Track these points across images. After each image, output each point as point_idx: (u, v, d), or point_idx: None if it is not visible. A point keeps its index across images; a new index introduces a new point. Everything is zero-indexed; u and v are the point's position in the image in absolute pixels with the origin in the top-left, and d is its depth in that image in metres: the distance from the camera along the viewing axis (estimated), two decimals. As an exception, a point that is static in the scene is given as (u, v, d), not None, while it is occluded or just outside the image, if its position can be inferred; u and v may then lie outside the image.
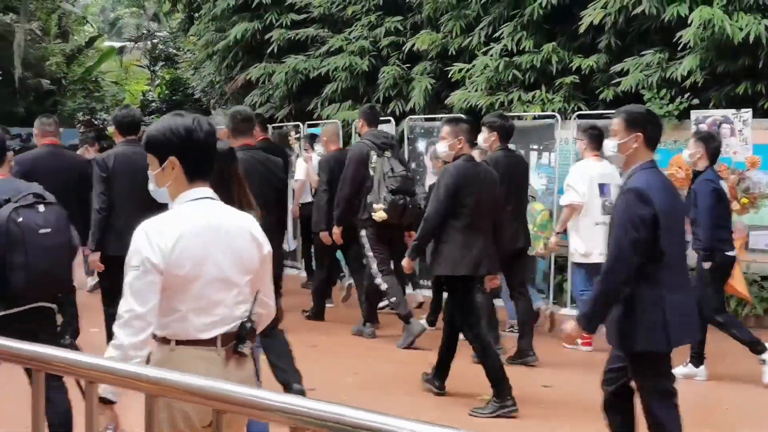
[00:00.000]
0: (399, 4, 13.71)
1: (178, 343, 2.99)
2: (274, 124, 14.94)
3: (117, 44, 32.54)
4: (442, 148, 6.85)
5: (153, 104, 31.09)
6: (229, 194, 3.57)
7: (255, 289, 3.19)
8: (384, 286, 8.53)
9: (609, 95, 10.80)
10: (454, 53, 12.39)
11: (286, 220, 6.94)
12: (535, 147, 10.79)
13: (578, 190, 8.09)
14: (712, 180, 7.05)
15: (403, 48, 13.16)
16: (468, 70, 11.93)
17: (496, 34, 11.86)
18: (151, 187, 3.21)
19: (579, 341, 7.92)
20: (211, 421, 2.18)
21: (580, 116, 10.63)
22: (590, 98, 11.29)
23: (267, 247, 3.24)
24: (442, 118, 11.85)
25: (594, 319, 4.38)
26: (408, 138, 12.05)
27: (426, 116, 12.29)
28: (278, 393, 1.95)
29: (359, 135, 9.32)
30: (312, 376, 6.36)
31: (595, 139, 8.14)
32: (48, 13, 26.80)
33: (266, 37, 14.98)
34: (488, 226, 6.72)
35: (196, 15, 18.34)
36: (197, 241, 3.00)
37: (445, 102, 12.24)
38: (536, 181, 10.37)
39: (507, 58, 11.53)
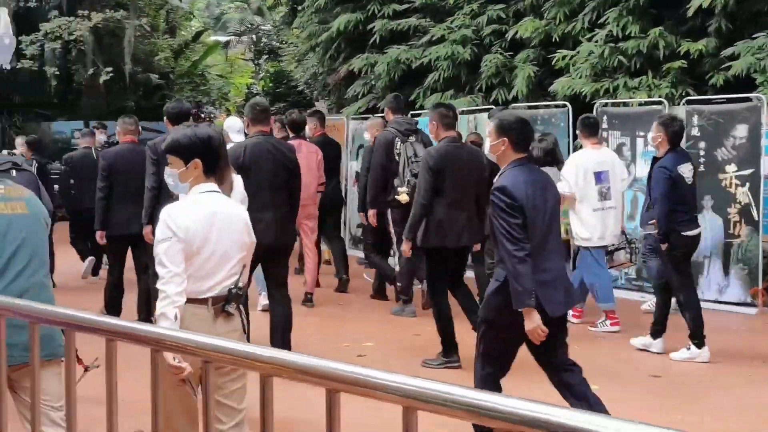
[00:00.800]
0: (501, -8, 13.62)
1: None
2: (376, 114, 15.02)
3: (222, 38, 33.13)
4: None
5: (257, 97, 31.57)
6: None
7: (242, 265, 4.07)
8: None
9: (719, 80, 10.52)
10: (557, 40, 12.24)
11: (299, 193, 7.54)
12: (642, 134, 10.59)
13: (569, 181, 8.34)
14: (666, 167, 7.34)
15: (506, 36, 13.06)
16: (572, 57, 11.77)
17: (601, 20, 11.67)
18: (170, 181, 4.10)
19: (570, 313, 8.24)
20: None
21: (689, 101, 10.39)
22: (699, 83, 11.02)
23: (253, 238, 4.16)
24: (545, 106, 11.82)
25: (521, 295, 4.80)
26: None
27: (529, 104, 12.19)
28: (391, 373, 1.97)
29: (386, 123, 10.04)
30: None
31: (591, 127, 8.65)
32: (156, 10, 27.49)
33: (368, 27, 15.06)
34: (470, 202, 7.39)
35: (300, 8, 18.52)
36: (205, 224, 3.90)
37: (549, 90, 12.11)
38: (642, 169, 10.17)
39: (612, 44, 11.33)
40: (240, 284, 4.02)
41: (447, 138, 7.45)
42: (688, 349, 7.48)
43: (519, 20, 12.94)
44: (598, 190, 8.44)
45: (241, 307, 4.07)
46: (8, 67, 20.25)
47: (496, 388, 5.07)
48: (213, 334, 3.44)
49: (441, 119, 7.49)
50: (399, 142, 9.26)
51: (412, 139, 9.24)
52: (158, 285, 3.83)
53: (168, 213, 3.90)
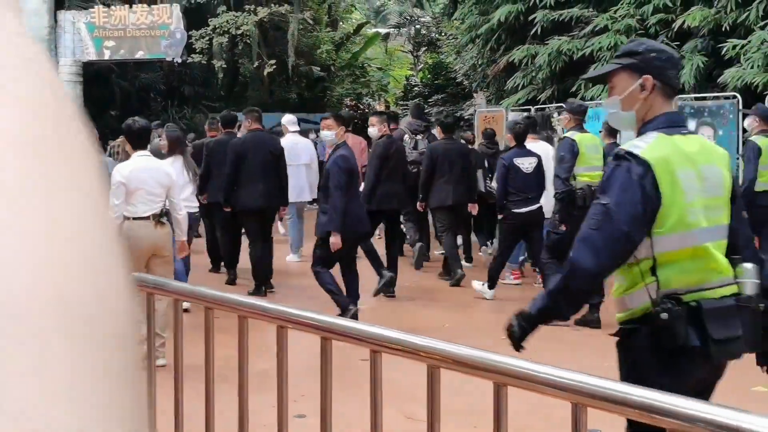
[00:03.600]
0: (669, -20, 13.22)
1: (134, 219, 6.85)
2: (536, 106, 14.87)
3: (382, 31, 33.51)
4: (371, 131, 10.69)
5: (416, 88, 31.75)
6: (183, 153, 9.38)
7: (166, 195, 7.03)
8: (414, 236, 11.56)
9: None
10: (727, 29, 11.77)
11: (285, 175, 10.33)
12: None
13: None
14: (503, 158, 9.71)
15: (673, 25, 12.66)
16: (743, 47, 11.30)
17: (776, 7, 11.17)
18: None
19: (509, 276, 10.69)
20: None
21: None
22: None
23: (173, 178, 7.25)
24: (714, 97, 11.40)
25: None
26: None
27: (696, 95, 11.79)
28: (560, 369, 1.96)
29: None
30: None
31: (532, 125, 10.75)
32: (319, 3, 28.02)
33: (530, 18, 14.90)
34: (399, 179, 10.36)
35: (460, -1, 18.54)
36: (139, 172, 6.90)
37: (718, 80, 11.67)
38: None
39: (787, 32, 10.83)
40: (166, 206, 7.05)
41: (386, 136, 10.46)
42: (483, 284, 9.77)
43: (687, 9, 12.51)
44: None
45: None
46: (179, 61, 21.14)
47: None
48: (153, 236, 6.85)
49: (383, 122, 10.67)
50: (408, 138, 12.48)
51: (419, 136, 12.58)
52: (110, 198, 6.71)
53: (117, 169, 7.06)
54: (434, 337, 2.32)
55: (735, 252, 3.19)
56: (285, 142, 11.33)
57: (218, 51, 22.66)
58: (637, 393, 1.80)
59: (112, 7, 20.56)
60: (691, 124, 11.33)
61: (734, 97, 10.90)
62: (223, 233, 11.00)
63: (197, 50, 21.87)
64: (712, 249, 3.09)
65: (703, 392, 3.06)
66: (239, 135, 10.85)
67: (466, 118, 22.43)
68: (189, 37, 21.17)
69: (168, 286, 3.28)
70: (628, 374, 3.11)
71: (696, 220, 3.07)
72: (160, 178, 7.08)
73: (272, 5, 22.96)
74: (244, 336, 2.93)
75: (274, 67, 22.79)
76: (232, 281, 10.59)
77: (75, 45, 20.13)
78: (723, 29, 11.83)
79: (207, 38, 22.08)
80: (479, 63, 17.95)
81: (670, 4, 12.89)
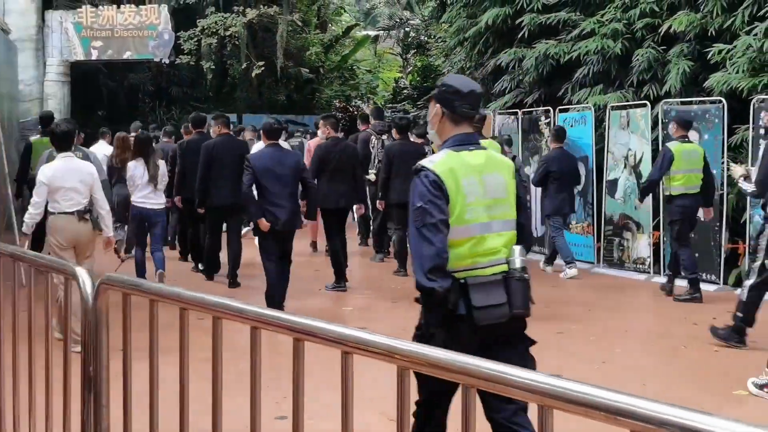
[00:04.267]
0: (655, -15, 13.24)
1: (58, 213, 7.76)
2: (523, 110, 14.89)
3: (371, 33, 33.52)
4: (320, 134, 12.34)
5: (405, 91, 31.77)
6: (147, 155, 10.56)
7: (89, 194, 7.88)
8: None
9: None
10: (713, 34, 11.80)
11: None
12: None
13: None
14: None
15: (659, 30, 12.68)
16: (729, 51, 11.33)
17: (761, 12, 11.18)
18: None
19: None
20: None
21: None
22: None
23: (96, 175, 8.05)
24: (699, 101, 11.44)
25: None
26: (662, 122, 11.65)
27: (681, 100, 11.82)
28: (528, 371, 1.96)
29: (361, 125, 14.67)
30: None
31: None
32: (308, 5, 28.00)
33: (517, 22, 14.92)
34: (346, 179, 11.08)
35: (449, 2, 18.56)
36: (62, 172, 7.76)
37: (704, 85, 11.70)
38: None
39: (772, 38, 10.85)
40: (89, 204, 7.92)
41: (331, 138, 11.35)
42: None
43: (673, 13, 12.53)
44: None
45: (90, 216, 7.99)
46: (167, 62, 21.10)
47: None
48: (76, 229, 7.78)
49: (332, 125, 11.48)
50: (374, 139, 13.63)
51: (384, 137, 13.66)
52: (30, 205, 8.02)
53: (42, 170, 7.92)
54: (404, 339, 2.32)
55: (521, 240, 4.10)
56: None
57: (207, 52, 22.63)
58: (604, 396, 1.80)
59: (100, 8, 20.51)
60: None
61: (720, 101, 10.94)
62: (210, 236, 11.64)
63: (185, 51, 21.84)
64: (489, 238, 3.96)
65: (492, 347, 3.81)
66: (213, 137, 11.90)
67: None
68: (177, 38, 21.15)
69: (143, 286, 3.28)
70: (422, 332, 3.96)
71: (474, 216, 3.93)
72: (82, 177, 7.88)
73: (261, 7, 22.95)
74: (218, 336, 2.93)
75: (263, 68, 22.77)
76: (210, 278, 11.68)
77: (62, 45, 20.09)
78: (709, 34, 11.86)
79: (195, 39, 22.05)
80: (467, 66, 17.97)
81: (656, 9, 12.91)
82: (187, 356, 3.10)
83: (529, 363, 3.95)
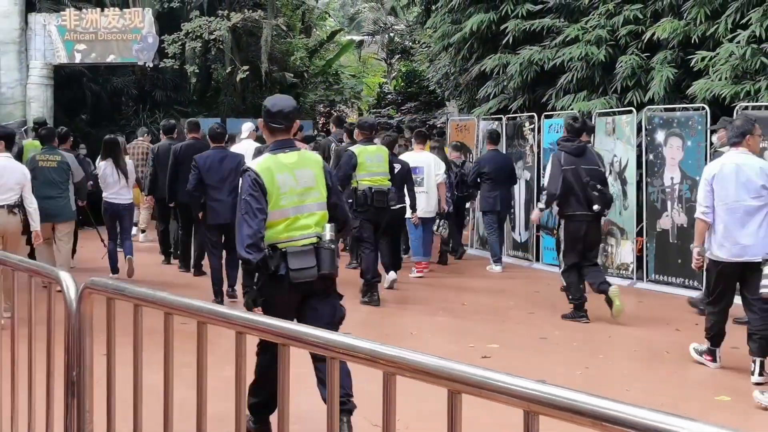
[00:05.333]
0: (639, -8, 13.31)
1: None
2: (508, 116, 14.92)
3: (356, 38, 33.53)
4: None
5: (389, 96, 31.80)
6: (116, 157, 11.82)
7: (20, 191, 8.97)
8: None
9: None
10: (696, 41, 11.87)
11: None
12: (785, 138, 10.19)
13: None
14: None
15: (643, 37, 12.75)
16: (711, 59, 11.40)
17: (744, 20, 11.26)
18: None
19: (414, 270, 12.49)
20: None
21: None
22: None
23: (28, 177, 9.11)
24: (682, 108, 11.50)
25: None
26: (646, 128, 11.70)
27: (665, 107, 11.88)
28: (513, 376, 1.96)
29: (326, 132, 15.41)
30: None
31: (422, 136, 13.19)
32: (293, 10, 27.99)
33: (502, 28, 14.95)
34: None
35: (433, 7, 18.58)
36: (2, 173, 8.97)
37: (687, 92, 11.76)
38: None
39: (755, 45, 10.91)
40: (18, 200, 8.98)
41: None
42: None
43: (656, 20, 12.60)
44: (415, 180, 11.68)
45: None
46: (151, 65, 21.02)
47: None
48: (4, 221, 8.86)
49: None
50: (333, 146, 13.77)
51: (342, 143, 13.65)
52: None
53: None
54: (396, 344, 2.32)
55: (334, 217, 5.38)
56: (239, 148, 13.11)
57: (191, 56, 22.55)
58: (590, 402, 1.80)
59: (84, 11, 20.39)
60: (660, 135, 11.43)
61: (703, 108, 11.00)
62: (197, 238, 12.19)
63: (169, 55, 21.75)
64: (302, 218, 5.24)
65: (309, 299, 5.25)
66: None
67: (438, 126, 22.49)
68: (161, 41, 21.07)
69: (127, 290, 3.26)
70: (260, 287, 5.18)
71: (288, 202, 5.20)
72: (15, 176, 9.07)
73: (245, 11, 22.89)
74: (203, 341, 2.92)
75: (248, 73, 22.72)
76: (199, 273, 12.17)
77: (46, 48, 19.98)
78: (692, 41, 11.93)
79: (179, 43, 21.96)
80: (451, 71, 18.00)
81: (640, 16, 12.98)
82: (171, 361, 3.09)
83: (338, 311, 5.40)
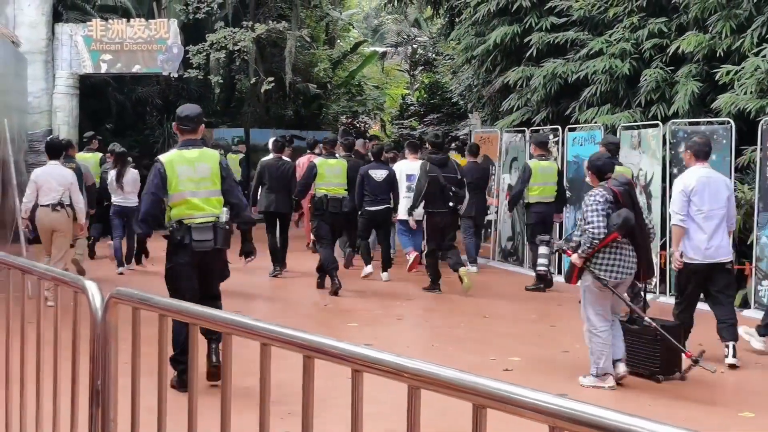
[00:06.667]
0: (663, 5, 13.23)
1: (41, 206, 10.33)
2: (531, 128, 14.90)
3: (379, 50, 33.57)
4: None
5: (411, 107, 31.82)
6: (122, 165, 13.35)
7: (64, 192, 10.35)
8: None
9: None
10: (722, 55, 11.81)
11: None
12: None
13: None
14: (360, 170, 12.80)
15: (667, 50, 12.70)
16: (737, 72, 11.34)
17: (770, 34, 11.19)
18: None
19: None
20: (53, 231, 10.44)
21: None
22: None
23: (71, 180, 10.47)
24: (707, 122, 11.44)
25: None
26: (671, 143, 11.65)
27: (689, 120, 11.83)
28: (538, 391, 1.96)
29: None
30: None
31: (414, 147, 14.10)
32: (317, 21, 28.07)
33: (525, 40, 14.96)
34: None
35: (457, 20, 18.60)
36: (47, 175, 10.42)
37: (711, 106, 11.70)
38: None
39: (781, 59, 10.84)
40: (62, 199, 10.29)
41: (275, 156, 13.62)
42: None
43: (681, 34, 12.55)
44: (407, 186, 12.99)
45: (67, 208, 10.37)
46: (176, 75, 21.15)
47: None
48: (51, 217, 10.33)
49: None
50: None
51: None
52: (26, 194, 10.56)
53: (34, 172, 10.50)
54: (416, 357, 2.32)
55: (228, 202, 6.91)
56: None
57: (215, 66, 22.66)
58: (617, 419, 1.80)
59: (110, 21, 20.55)
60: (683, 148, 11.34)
61: (727, 122, 10.94)
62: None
63: (194, 65, 21.87)
64: (197, 201, 6.70)
65: (206, 264, 6.81)
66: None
67: (460, 137, 22.48)
68: (186, 52, 21.19)
69: (152, 300, 3.27)
70: (168, 255, 6.81)
71: (185, 188, 6.67)
72: (61, 179, 10.41)
73: (270, 22, 22.99)
74: (228, 352, 2.93)
75: (272, 83, 22.81)
76: None
77: (72, 58, 20.15)
78: (717, 55, 11.87)
79: (204, 54, 22.08)
80: (475, 84, 18.01)
81: (665, 30, 12.94)
82: (196, 370, 3.10)
83: (225, 273, 7.23)
